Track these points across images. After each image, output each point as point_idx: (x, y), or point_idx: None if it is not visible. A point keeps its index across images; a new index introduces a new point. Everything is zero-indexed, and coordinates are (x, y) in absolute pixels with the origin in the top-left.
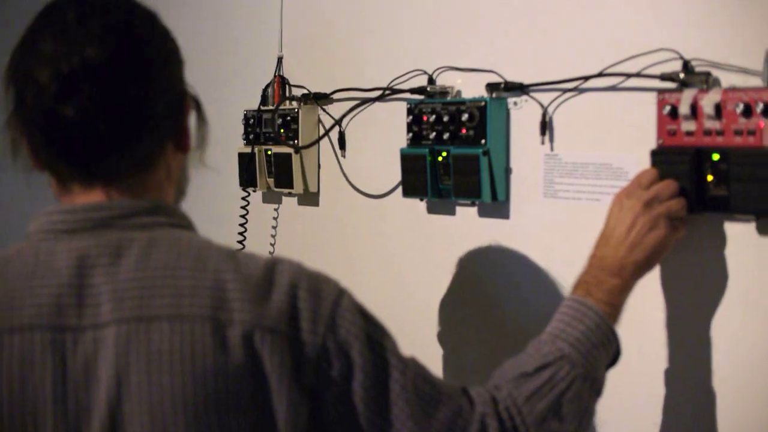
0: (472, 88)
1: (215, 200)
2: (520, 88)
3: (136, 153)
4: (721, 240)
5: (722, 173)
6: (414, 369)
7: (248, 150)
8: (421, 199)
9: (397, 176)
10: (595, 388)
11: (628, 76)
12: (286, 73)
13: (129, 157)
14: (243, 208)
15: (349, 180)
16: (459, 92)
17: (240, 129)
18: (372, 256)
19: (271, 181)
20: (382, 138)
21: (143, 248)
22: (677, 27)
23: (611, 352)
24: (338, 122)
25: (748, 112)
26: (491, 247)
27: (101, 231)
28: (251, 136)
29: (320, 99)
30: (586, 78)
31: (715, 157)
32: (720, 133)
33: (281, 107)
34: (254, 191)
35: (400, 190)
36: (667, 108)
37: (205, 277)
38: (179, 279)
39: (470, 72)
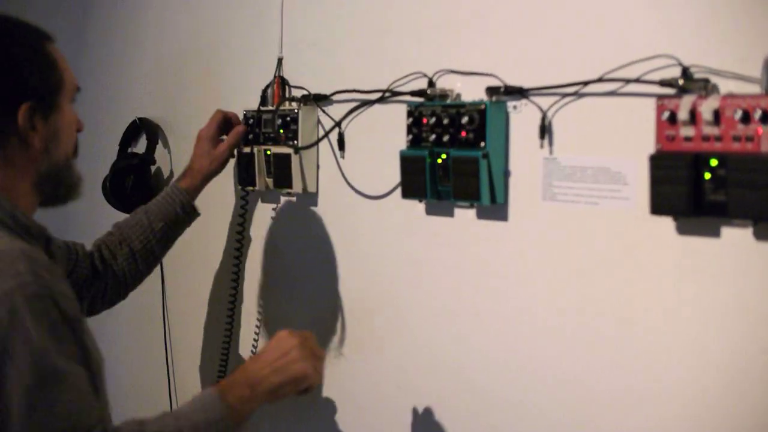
0: (472, 92)
1: (215, 199)
2: (520, 92)
3: None
4: (719, 245)
5: (720, 179)
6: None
7: (248, 150)
8: (420, 201)
9: (395, 178)
10: None
11: (628, 81)
12: (286, 74)
13: None
14: (242, 207)
15: (348, 181)
16: (459, 95)
17: None
18: (370, 256)
19: (270, 180)
20: (381, 140)
21: None
22: (677, 33)
23: None
24: (338, 123)
25: (746, 118)
26: (490, 250)
27: None
28: (251, 136)
29: (320, 100)
30: (586, 83)
31: (714, 162)
32: (718, 139)
33: (281, 108)
34: (253, 190)
35: (399, 191)
36: (666, 114)
37: None
38: None
39: (470, 75)
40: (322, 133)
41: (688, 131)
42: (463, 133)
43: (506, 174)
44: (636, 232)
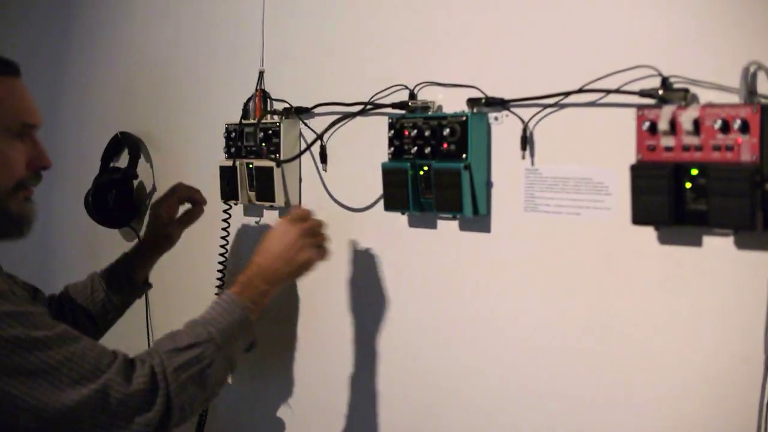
0: (454, 103)
1: None
2: (501, 104)
3: None
4: (700, 254)
5: (701, 188)
6: None
7: (230, 163)
8: (403, 213)
9: (378, 190)
10: (231, 365)
11: (608, 92)
12: (268, 87)
13: None
14: (225, 221)
15: (331, 193)
16: (440, 107)
17: (221, 143)
18: (353, 269)
19: (252, 194)
20: (363, 152)
21: None
22: (656, 44)
23: (248, 341)
24: (320, 136)
25: (725, 128)
26: (472, 261)
27: None
28: (232, 150)
29: (302, 113)
30: (567, 93)
31: (694, 172)
32: (699, 148)
33: (263, 121)
34: (236, 204)
35: (381, 203)
36: (647, 124)
37: None
38: None
39: (452, 87)
40: (304, 146)
41: (668, 141)
42: (445, 145)
43: (488, 185)
44: (618, 242)
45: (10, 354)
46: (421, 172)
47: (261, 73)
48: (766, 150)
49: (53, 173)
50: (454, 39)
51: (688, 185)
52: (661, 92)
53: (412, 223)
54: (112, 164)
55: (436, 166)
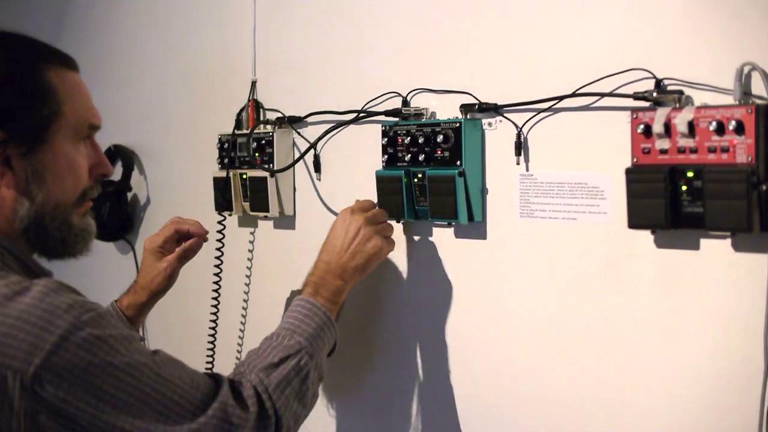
0: (447, 110)
1: None
2: (495, 109)
3: None
4: (697, 257)
5: (697, 190)
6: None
7: (223, 174)
8: (398, 221)
9: (373, 198)
10: (320, 375)
11: (602, 95)
12: (261, 96)
13: None
14: (219, 232)
15: (325, 203)
16: (434, 114)
17: (215, 153)
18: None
19: (246, 204)
20: (357, 160)
21: None
22: (649, 47)
23: (332, 345)
24: (313, 145)
25: (720, 129)
26: (469, 268)
27: None
28: (226, 161)
29: (295, 122)
30: (560, 98)
31: (690, 174)
32: (694, 150)
33: (256, 131)
34: (230, 215)
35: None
36: (641, 127)
37: None
38: None
39: (444, 93)
40: (297, 155)
41: (663, 144)
42: (439, 152)
43: (483, 192)
44: (615, 247)
45: (121, 383)
46: (416, 180)
47: (253, 83)
48: (762, 151)
49: None
50: (447, 45)
51: (684, 188)
52: (655, 94)
53: (408, 231)
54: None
55: (430, 173)
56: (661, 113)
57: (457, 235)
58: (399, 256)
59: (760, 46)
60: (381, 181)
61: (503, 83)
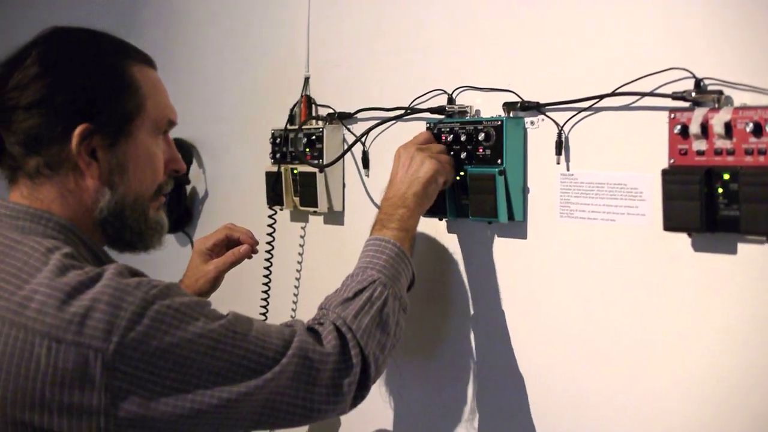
0: (491, 108)
1: (244, 220)
2: (537, 108)
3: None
4: (734, 261)
5: (733, 193)
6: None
7: (275, 169)
8: (440, 219)
9: None
10: (402, 305)
11: (642, 95)
12: (313, 92)
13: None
14: (270, 226)
15: (373, 199)
16: (478, 111)
17: (268, 148)
18: None
19: (297, 200)
20: None
21: None
22: (690, 46)
23: (409, 276)
24: (359, 139)
25: (758, 131)
26: (509, 268)
27: None
28: (278, 155)
29: (344, 118)
30: (600, 97)
31: (726, 176)
32: (731, 152)
33: (307, 126)
34: (281, 210)
35: None
36: (678, 127)
37: (26, 286)
38: (9, 282)
39: (488, 91)
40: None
41: (700, 145)
42: (480, 150)
43: (524, 191)
44: (653, 249)
45: (200, 347)
46: (458, 177)
47: (306, 79)
48: None
49: None
50: (492, 43)
51: (720, 190)
52: (693, 94)
53: (451, 229)
54: None
55: (471, 171)
56: (699, 114)
57: (498, 234)
58: (439, 254)
59: None
60: None
61: (546, 82)
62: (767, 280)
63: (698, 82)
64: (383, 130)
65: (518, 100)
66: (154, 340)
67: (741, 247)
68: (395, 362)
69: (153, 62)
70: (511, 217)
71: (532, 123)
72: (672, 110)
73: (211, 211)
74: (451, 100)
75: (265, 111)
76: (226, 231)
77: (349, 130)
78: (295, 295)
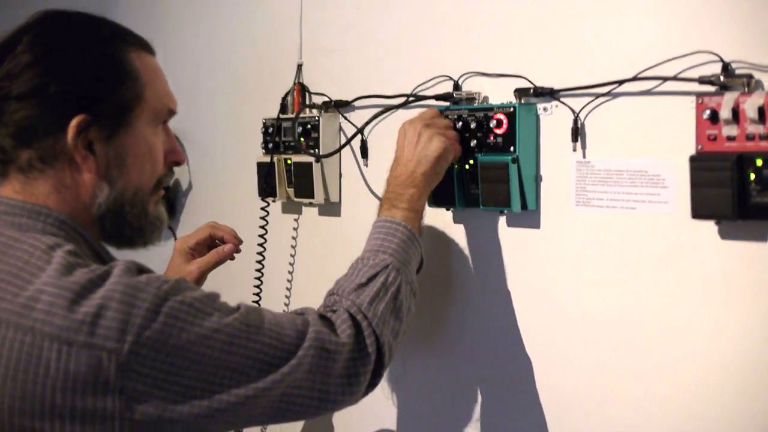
0: (500, 94)
1: (235, 211)
2: (551, 94)
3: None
4: (764, 248)
5: (766, 180)
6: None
7: (267, 159)
8: (448, 209)
9: None
10: (413, 290)
11: (665, 79)
12: (306, 80)
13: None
14: (262, 218)
15: (372, 190)
16: (486, 98)
17: (259, 138)
18: None
19: (291, 191)
20: None
21: None
22: (716, 28)
23: (419, 259)
24: (360, 130)
25: None
26: (521, 258)
27: None
28: (270, 145)
29: (341, 106)
30: (620, 82)
31: (759, 162)
32: (764, 137)
33: (301, 115)
34: (273, 201)
35: None
36: (707, 112)
37: (30, 287)
38: (10, 283)
39: (497, 77)
40: (344, 140)
41: (730, 130)
42: (492, 137)
43: (537, 179)
44: (676, 238)
45: (216, 343)
46: (467, 166)
47: (299, 66)
48: None
49: None
50: (500, 28)
51: (752, 176)
52: (722, 78)
53: (458, 219)
54: None
55: (483, 159)
56: (729, 98)
57: (510, 224)
58: (448, 245)
59: None
60: None
61: (559, 67)
62: None
63: (726, 66)
64: (383, 119)
65: (530, 86)
66: (170, 338)
67: None
68: (400, 353)
69: (152, 48)
70: (524, 206)
71: (545, 109)
72: (699, 95)
73: (196, 204)
74: (457, 87)
75: (255, 100)
76: (209, 230)
77: (346, 118)
78: (288, 290)
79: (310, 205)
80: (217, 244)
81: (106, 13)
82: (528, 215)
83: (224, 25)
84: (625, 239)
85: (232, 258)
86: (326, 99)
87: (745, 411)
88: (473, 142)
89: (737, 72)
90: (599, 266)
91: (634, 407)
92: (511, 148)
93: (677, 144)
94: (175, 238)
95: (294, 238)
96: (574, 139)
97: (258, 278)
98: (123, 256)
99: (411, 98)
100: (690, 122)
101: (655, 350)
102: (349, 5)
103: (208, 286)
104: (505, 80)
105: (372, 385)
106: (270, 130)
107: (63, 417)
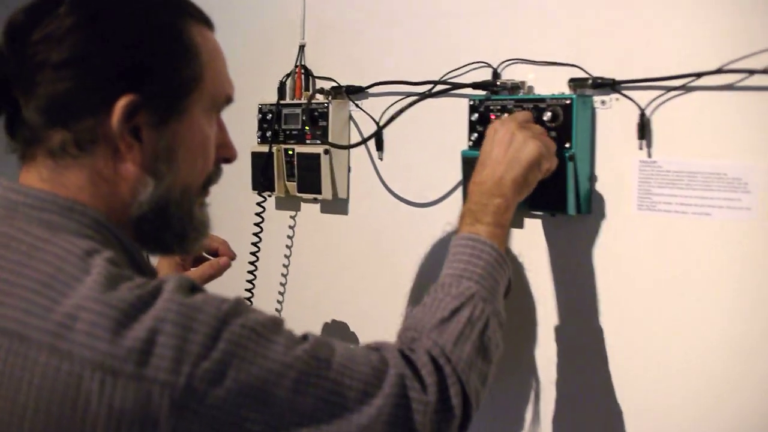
0: (545, 84)
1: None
2: (611, 86)
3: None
4: None
5: None
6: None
7: (264, 149)
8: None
9: (447, 182)
10: (500, 321)
11: (752, 72)
12: (309, 62)
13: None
14: (258, 215)
15: (387, 185)
16: (531, 88)
17: (253, 125)
18: (414, 274)
19: (291, 185)
20: (428, 138)
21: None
22: None
23: (506, 283)
24: (381, 126)
25: None
26: (573, 265)
27: None
28: (268, 134)
29: (353, 93)
30: (699, 74)
31: None
32: None
33: (304, 102)
34: (270, 196)
35: (452, 198)
36: None
37: (65, 301)
38: (40, 295)
39: (547, 66)
40: (354, 130)
41: None
42: None
43: (591, 179)
44: (759, 247)
45: (283, 379)
46: None
47: (301, 47)
48: None
49: None
50: (549, 8)
51: None
52: None
53: None
54: None
55: None
56: None
57: (559, 227)
58: None
59: None
60: (468, 163)
61: (618, 56)
62: None
63: None
64: (403, 108)
65: (587, 76)
66: (231, 370)
67: None
68: None
69: (212, 24)
70: (578, 209)
71: (603, 103)
72: None
73: None
74: (496, 75)
75: (249, 83)
76: None
77: (358, 106)
78: (281, 294)
79: (315, 201)
80: (205, 258)
81: None
82: (580, 219)
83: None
84: (698, 248)
85: (227, 266)
86: (333, 84)
87: None
88: None
89: None
90: (667, 275)
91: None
92: (567, 145)
93: (764, 144)
94: None
95: (290, 237)
96: (641, 137)
97: (250, 281)
98: None
99: (449, 86)
100: None
101: (732, 371)
102: None
103: None
104: (551, 69)
105: None
106: (269, 116)
107: None
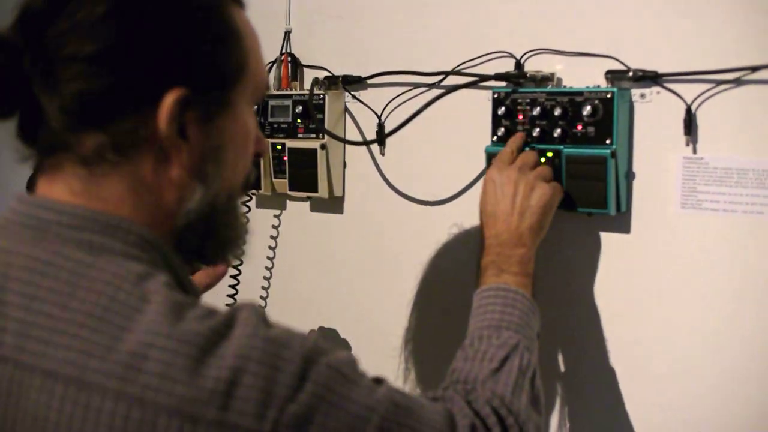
0: (575, 76)
1: None
2: (653, 78)
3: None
4: None
5: None
6: None
7: None
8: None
9: (460, 180)
10: (537, 369)
11: None
12: (296, 50)
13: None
14: (243, 215)
15: (390, 183)
16: (560, 80)
17: None
18: (420, 278)
19: (279, 182)
20: (439, 133)
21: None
22: None
23: (538, 330)
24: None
25: None
26: (610, 268)
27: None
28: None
29: (351, 83)
30: (755, 68)
31: None
32: None
33: (299, 92)
34: (256, 194)
35: (465, 196)
36: None
37: (128, 337)
38: (96, 331)
39: (580, 57)
40: (350, 122)
41: None
42: (580, 127)
43: (629, 177)
44: None
45: (367, 425)
46: (543, 159)
47: (287, 34)
48: None
49: None
50: None
51: None
52: None
53: None
54: None
55: (570, 152)
56: None
57: (595, 227)
58: None
59: None
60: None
61: (659, 47)
62: None
63: None
64: (407, 99)
65: (626, 68)
66: (319, 415)
67: None
68: None
69: (245, 5)
70: (618, 208)
71: (642, 96)
72: None
73: None
74: (519, 66)
75: None
76: None
77: (356, 98)
78: (264, 299)
79: (309, 199)
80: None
81: None
82: (618, 218)
83: None
84: (750, 248)
85: (223, 275)
86: (327, 74)
87: None
88: (556, 132)
89: None
90: (713, 278)
91: None
92: (608, 141)
93: None
94: None
95: (274, 238)
96: (687, 132)
97: (233, 286)
98: None
99: (470, 77)
100: None
101: None
102: None
103: None
104: (581, 60)
105: None
106: (255, 108)
107: None
